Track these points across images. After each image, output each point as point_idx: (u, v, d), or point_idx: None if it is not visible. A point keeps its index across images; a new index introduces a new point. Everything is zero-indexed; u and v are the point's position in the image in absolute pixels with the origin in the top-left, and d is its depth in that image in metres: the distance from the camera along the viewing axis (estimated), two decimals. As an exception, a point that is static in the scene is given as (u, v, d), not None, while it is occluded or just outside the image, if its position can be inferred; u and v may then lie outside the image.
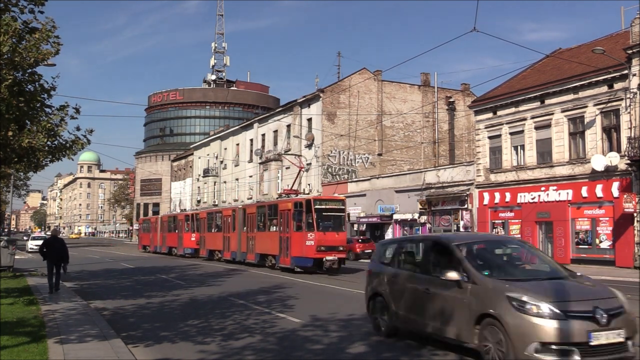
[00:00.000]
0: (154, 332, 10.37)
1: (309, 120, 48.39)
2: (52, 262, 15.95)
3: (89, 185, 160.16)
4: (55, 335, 9.35)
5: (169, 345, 9.27)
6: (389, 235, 38.34)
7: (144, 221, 56.33)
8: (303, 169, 31.27)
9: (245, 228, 29.78)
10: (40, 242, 47.99)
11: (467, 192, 33.52)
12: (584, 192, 27.35)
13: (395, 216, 38.40)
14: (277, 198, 28.67)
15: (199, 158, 71.97)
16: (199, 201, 72.86)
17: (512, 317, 6.90)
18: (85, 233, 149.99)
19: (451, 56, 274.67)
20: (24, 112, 10.29)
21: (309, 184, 47.02)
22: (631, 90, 25.47)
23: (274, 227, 26.38)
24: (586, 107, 27.61)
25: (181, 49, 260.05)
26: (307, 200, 24.03)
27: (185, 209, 65.60)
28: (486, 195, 32.40)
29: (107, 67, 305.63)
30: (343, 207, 24.81)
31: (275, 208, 26.61)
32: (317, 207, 23.56)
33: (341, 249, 23.69)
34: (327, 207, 24.18)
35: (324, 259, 22.85)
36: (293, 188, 30.72)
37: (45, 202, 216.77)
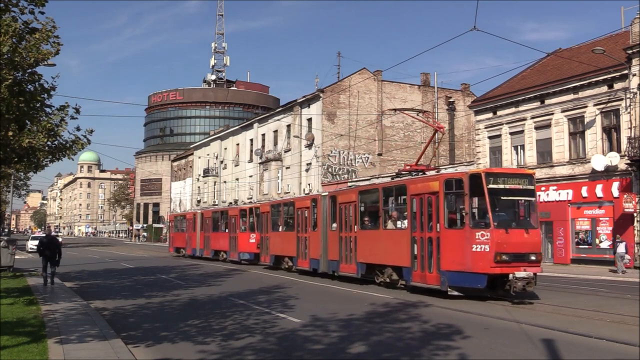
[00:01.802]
0: (154, 332, 10.37)
1: (309, 120, 48.38)
2: (46, 259, 17.94)
3: (89, 185, 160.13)
4: (55, 335, 9.35)
5: (169, 345, 9.27)
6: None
7: (176, 218, 44.70)
8: (442, 130, 20.84)
9: (334, 225, 20.42)
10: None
11: (467, 192, 33.33)
12: (584, 192, 27.36)
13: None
14: (396, 177, 18.40)
15: (199, 158, 71.97)
16: (199, 201, 72.86)
17: None
18: (85, 233, 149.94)
19: (451, 56, 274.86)
20: (24, 112, 10.31)
21: (309, 184, 47.02)
22: (631, 90, 25.48)
23: (397, 223, 17.01)
24: (586, 107, 27.62)
25: (181, 49, 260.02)
26: (474, 175, 14.37)
27: (239, 201, 55.49)
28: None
29: (107, 67, 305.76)
30: (532, 187, 14.94)
31: (399, 191, 17.20)
32: (492, 186, 14.15)
33: (533, 258, 14.09)
34: (510, 186, 14.50)
35: (511, 276, 13.63)
36: (418, 164, 19.39)
37: (45, 202, 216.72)
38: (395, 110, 24.68)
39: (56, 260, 18.18)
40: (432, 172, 17.20)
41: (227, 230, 32.59)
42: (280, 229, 25.45)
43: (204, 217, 36.84)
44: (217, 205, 62.85)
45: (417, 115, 24.41)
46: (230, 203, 58.26)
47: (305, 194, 43.57)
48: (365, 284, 18.28)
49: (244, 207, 32.36)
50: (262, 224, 27.81)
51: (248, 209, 31.21)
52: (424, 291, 15.45)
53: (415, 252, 15.70)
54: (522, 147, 30.87)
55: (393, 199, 17.88)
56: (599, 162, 26.23)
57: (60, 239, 58.65)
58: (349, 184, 41.83)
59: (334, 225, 20.43)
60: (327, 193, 21.70)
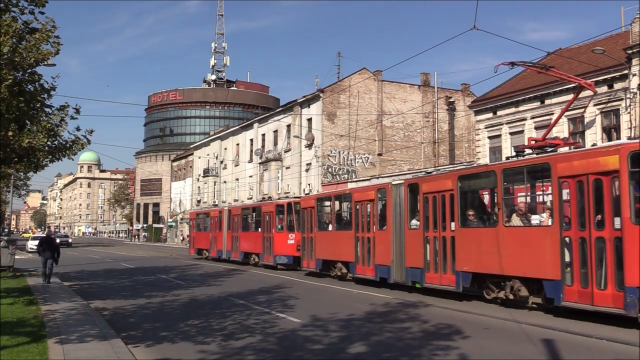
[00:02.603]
0: (154, 332, 10.37)
1: (309, 120, 48.38)
2: (45, 257, 19.06)
3: (89, 185, 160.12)
4: (55, 335, 9.35)
5: (169, 345, 9.27)
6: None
7: (198, 216, 39.54)
8: (592, 88, 16.65)
9: (415, 222, 15.88)
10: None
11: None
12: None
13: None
14: (515, 156, 14.09)
15: (199, 158, 71.98)
16: (199, 201, 72.87)
17: None
18: (83, 233, 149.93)
19: (451, 56, 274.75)
20: (24, 112, 10.32)
21: (309, 184, 47.02)
22: (631, 90, 25.48)
23: (530, 218, 12.97)
24: (586, 107, 27.61)
25: (181, 49, 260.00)
26: None
27: (272, 198, 48.50)
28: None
29: (107, 67, 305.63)
30: None
31: (536, 173, 13.00)
32: None
33: None
34: None
35: None
36: (548, 137, 15.30)
37: (45, 202, 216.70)
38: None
39: (55, 259, 19.16)
40: (566, 149, 13.10)
41: (259, 230, 27.82)
42: (330, 228, 20.87)
43: (232, 215, 31.91)
44: (216, 205, 62.73)
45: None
46: (264, 198, 51.15)
47: (305, 194, 43.52)
48: (419, 291, 15.42)
49: (281, 202, 27.41)
50: (304, 221, 22.87)
51: (286, 204, 26.64)
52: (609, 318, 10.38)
53: (569, 259, 11.01)
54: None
55: (527, 183, 13.46)
56: (599, 162, 26.21)
57: (70, 240, 60.33)
58: (349, 184, 41.82)
59: (414, 222, 15.80)
60: (401, 181, 16.91)
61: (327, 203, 21.76)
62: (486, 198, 15.46)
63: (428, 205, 15.21)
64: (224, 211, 33.23)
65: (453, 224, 14.24)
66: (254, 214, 29.16)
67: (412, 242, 15.72)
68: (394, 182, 17.21)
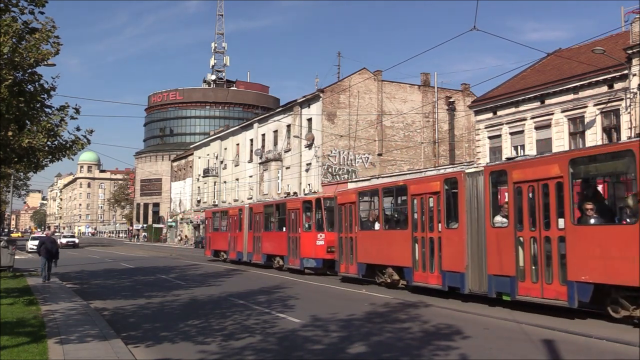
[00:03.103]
0: (154, 332, 10.37)
1: (309, 120, 48.38)
2: (44, 257, 19.71)
3: (89, 185, 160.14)
4: (55, 336, 9.35)
5: (169, 345, 9.27)
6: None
7: (214, 214, 35.93)
8: None
9: (501, 219, 13.16)
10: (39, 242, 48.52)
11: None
12: (584, 192, 27.31)
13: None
14: None
15: (199, 158, 71.99)
16: (199, 201, 72.88)
17: None
18: (83, 233, 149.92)
19: (451, 56, 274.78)
20: (24, 112, 10.32)
21: (309, 184, 47.02)
22: (631, 90, 25.48)
23: None
24: (586, 107, 27.61)
25: (181, 49, 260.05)
26: None
27: (293, 193, 44.36)
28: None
29: (107, 67, 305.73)
30: None
31: None
32: None
33: None
34: None
35: None
36: None
37: (45, 202, 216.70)
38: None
39: (54, 260, 19.95)
40: None
41: (284, 229, 24.97)
42: (376, 227, 17.66)
43: (254, 213, 28.79)
44: (216, 205, 62.65)
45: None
46: (288, 193, 46.82)
47: (305, 193, 43.54)
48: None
49: (309, 198, 24.52)
50: (342, 220, 19.64)
51: (314, 200, 23.76)
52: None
53: None
54: (522, 147, 30.86)
55: None
56: (599, 162, 26.21)
57: (76, 240, 61.38)
58: (348, 184, 41.80)
59: (499, 218, 13.13)
60: (479, 168, 14.22)
61: (371, 197, 18.38)
62: (600, 188, 12.79)
63: (522, 198, 12.42)
64: (245, 209, 30.12)
65: (561, 220, 11.43)
66: (278, 211, 26.21)
67: (497, 243, 12.93)
68: (467, 170, 14.50)
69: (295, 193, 29.45)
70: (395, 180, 28.59)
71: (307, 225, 23.38)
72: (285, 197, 31.03)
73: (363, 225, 18.60)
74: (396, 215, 17.44)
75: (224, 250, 32.43)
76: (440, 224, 14.79)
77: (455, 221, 14.36)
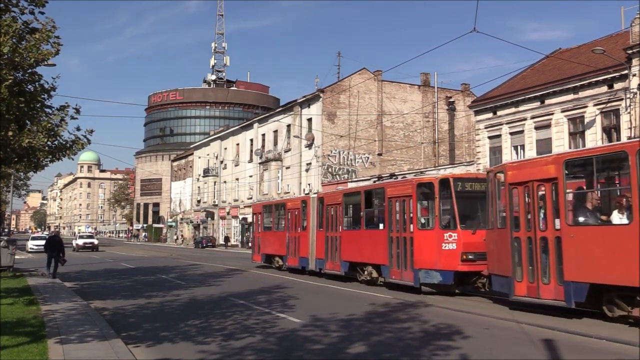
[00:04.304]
0: (154, 332, 10.37)
1: (309, 120, 48.39)
2: (50, 255, 20.91)
3: (89, 185, 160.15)
4: (55, 335, 9.35)
5: (169, 345, 9.26)
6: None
7: (265, 208, 27.70)
8: None
9: None
10: (39, 242, 48.30)
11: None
12: (584, 192, 27.31)
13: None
14: None
15: (199, 158, 72.00)
16: (199, 201, 72.89)
17: None
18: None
19: (451, 56, 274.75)
20: (24, 112, 10.32)
21: (309, 184, 47.02)
22: (631, 90, 25.48)
23: None
24: (586, 107, 27.62)
25: (181, 49, 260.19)
26: None
27: (386, 175, 26.76)
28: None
29: (107, 67, 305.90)
30: None
31: None
32: None
33: None
34: None
35: None
36: None
37: (45, 202, 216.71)
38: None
39: (61, 257, 20.89)
40: None
41: (381, 227, 17.40)
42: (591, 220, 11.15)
43: (326, 205, 21.27)
44: (216, 205, 62.40)
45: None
46: (383, 175, 38.34)
47: (305, 193, 43.51)
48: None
49: (428, 180, 16.26)
50: (525, 210, 12.28)
51: (437, 181, 15.45)
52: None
53: None
54: (522, 147, 30.87)
55: None
56: (599, 162, 26.20)
57: (96, 241, 50.80)
58: (348, 184, 41.73)
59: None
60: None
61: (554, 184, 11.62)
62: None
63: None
64: (311, 200, 22.78)
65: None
66: (371, 200, 18.59)
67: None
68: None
69: (393, 175, 20.82)
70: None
71: (423, 221, 15.84)
72: (376, 180, 20.94)
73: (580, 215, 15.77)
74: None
75: (280, 254, 25.06)
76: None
77: None
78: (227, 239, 60.60)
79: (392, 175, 20.41)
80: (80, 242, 50.80)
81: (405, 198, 16.16)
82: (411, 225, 15.86)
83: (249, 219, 57.82)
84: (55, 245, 20.97)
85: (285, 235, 24.40)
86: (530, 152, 30.27)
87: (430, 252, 15.26)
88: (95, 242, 51.78)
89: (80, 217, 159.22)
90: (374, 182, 20.23)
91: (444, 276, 15.12)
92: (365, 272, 18.28)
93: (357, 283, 18.55)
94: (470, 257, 14.77)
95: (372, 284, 17.97)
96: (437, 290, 15.64)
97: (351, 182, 44.06)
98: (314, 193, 29.36)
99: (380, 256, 17.22)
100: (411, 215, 15.88)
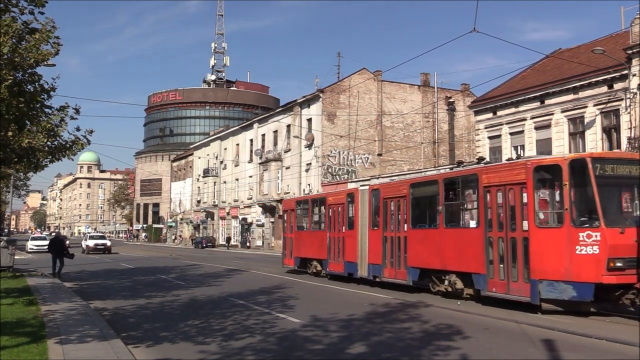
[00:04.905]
0: (154, 332, 10.37)
1: (309, 120, 48.39)
2: (54, 255, 22.11)
3: (88, 186, 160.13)
4: (55, 336, 9.35)
5: (169, 345, 9.27)
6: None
7: (300, 204, 24.09)
8: None
9: None
10: (38, 242, 48.06)
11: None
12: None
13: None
14: None
15: (199, 158, 72.00)
16: (198, 201, 72.89)
17: None
18: (83, 233, 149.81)
19: (451, 56, 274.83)
20: (24, 112, 10.32)
21: (309, 184, 47.02)
22: (631, 90, 25.48)
23: None
24: (586, 107, 27.61)
25: (181, 49, 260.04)
26: None
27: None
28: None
29: (107, 67, 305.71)
30: None
31: None
32: None
33: None
34: None
35: None
36: None
37: (45, 202, 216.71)
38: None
39: (63, 255, 22.20)
40: None
41: (474, 224, 13.84)
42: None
43: (383, 198, 17.33)
44: (216, 205, 62.33)
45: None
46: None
47: (305, 193, 43.48)
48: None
49: (547, 162, 12.68)
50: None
51: (567, 163, 11.92)
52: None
53: None
54: (522, 147, 30.86)
55: None
56: (599, 162, 26.18)
57: (108, 243, 45.36)
58: (348, 184, 41.72)
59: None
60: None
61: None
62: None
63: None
64: (360, 193, 18.75)
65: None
66: (455, 191, 14.84)
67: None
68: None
69: (482, 159, 17.00)
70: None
71: (543, 216, 12.42)
72: (456, 167, 16.63)
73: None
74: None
75: (318, 258, 21.52)
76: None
77: None
78: (229, 239, 60.39)
79: (480, 160, 16.52)
80: (91, 243, 44.84)
81: (514, 186, 12.63)
82: (524, 223, 12.25)
83: (249, 219, 58.03)
84: (57, 246, 22.28)
85: (326, 235, 20.70)
86: (530, 152, 30.28)
87: (558, 257, 11.70)
88: (108, 243, 46.00)
89: (80, 217, 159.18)
90: (453, 169, 16.65)
91: (579, 290, 11.42)
92: (446, 282, 14.55)
93: (355, 284, 18.49)
94: (618, 264, 11.22)
95: (453, 296, 14.33)
96: (565, 308, 11.93)
97: (351, 182, 44.08)
98: (363, 183, 24.05)
99: (471, 262, 13.54)
100: (524, 209, 12.29)
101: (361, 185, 19.53)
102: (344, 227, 19.61)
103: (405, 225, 16.13)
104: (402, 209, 16.44)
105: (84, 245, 46.84)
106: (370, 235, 17.82)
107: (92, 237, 48.25)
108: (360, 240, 18.40)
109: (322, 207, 21.67)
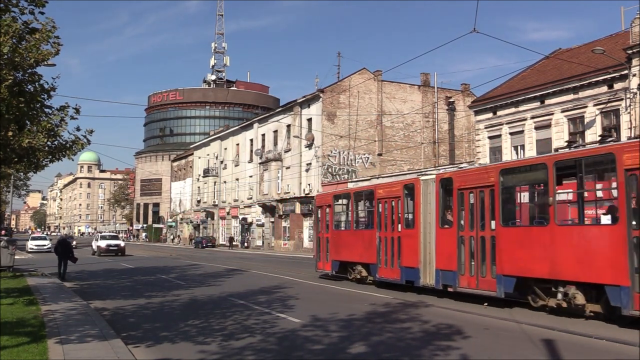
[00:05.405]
0: (154, 332, 10.37)
1: (309, 120, 48.39)
2: (60, 257, 21.90)
3: (89, 186, 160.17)
4: (55, 336, 9.34)
5: (169, 345, 9.26)
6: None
7: (339, 199, 20.84)
8: None
9: None
10: (39, 242, 47.89)
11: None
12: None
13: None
14: None
15: (199, 158, 72.01)
16: (199, 201, 72.88)
17: None
18: (82, 234, 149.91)
19: (451, 56, 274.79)
20: (24, 112, 10.32)
21: (309, 184, 47.01)
22: (631, 90, 25.48)
23: None
24: (586, 107, 27.63)
25: (181, 49, 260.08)
26: None
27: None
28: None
29: (107, 67, 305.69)
30: None
31: None
32: None
33: None
34: None
35: None
36: None
37: (45, 202, 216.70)
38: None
39: (69, 258, 22.02)
40: None
41: (608, 220, 10.93)
42: None
43: (457, 189, 14.17)
44: (216, 205, 62.25)
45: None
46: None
47: (305, 193, 43.44)
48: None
49: None
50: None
51: None
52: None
53: None
54: (522, 147, 30.88)
55: None
56: (599, 162, 26.20)
57: (122, 243, 41.79)
58: (348, 184, 41.69)
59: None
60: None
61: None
62: None
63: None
64: (422, 184, 15.51)
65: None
66: (568, 176, 12.59)
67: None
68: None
69: (571, 143, 14.49)
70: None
71: None
72: (560, 149, 13.90)
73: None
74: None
75: (365, 262, 18.16)
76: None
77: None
78: (231, 239, 59.72)
79: (570, 144, 14.05)
80: (103, 244, 40.71)
81: None
82: None
83: (249, 219, 58.01)
84: (64, 248, 22.06)
85: (375, 235, 17.34)
86: (531, 152, 30.29)
87: None
88: (122, 244, 42.41)
89: (80, 217, 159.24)
90: (557, 150, 14.14)
91: None
92: (559, 296, 11.33)
93: (351, 283, 18.46)
94: None
95: (568, 313, 11.33)
96: None
97: (351, 182, 44.08)
98: (426, 172, 21.29)
99: (604, 270, 10.35)
100: None
101: (423, 175, 16.32)
102: (399, 226, 16.27)
103: (493, 223, 12.94)
104: (487, 202, 13.13)
105: (94, 247, 43.00)
106: (439, 235, 14.63)
107: (103, 238, 43.92)
108: (423, 242, 15.21)
109: (369, 202, 18.19)
